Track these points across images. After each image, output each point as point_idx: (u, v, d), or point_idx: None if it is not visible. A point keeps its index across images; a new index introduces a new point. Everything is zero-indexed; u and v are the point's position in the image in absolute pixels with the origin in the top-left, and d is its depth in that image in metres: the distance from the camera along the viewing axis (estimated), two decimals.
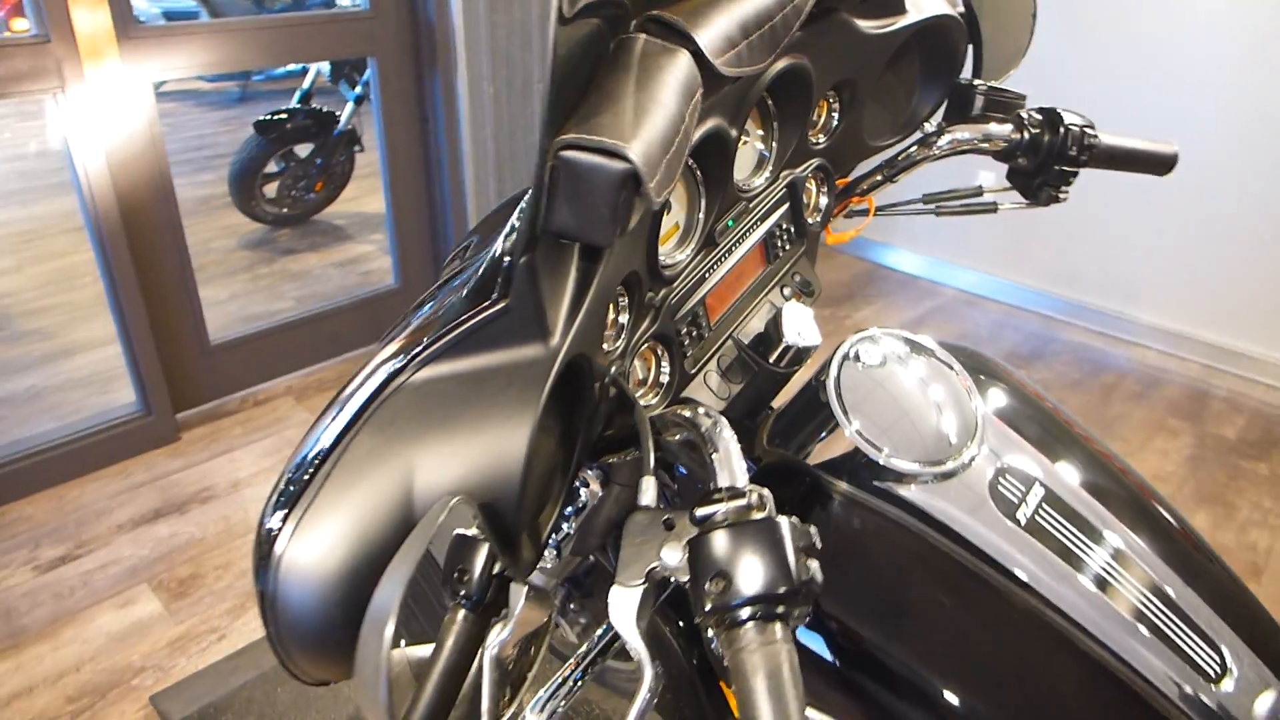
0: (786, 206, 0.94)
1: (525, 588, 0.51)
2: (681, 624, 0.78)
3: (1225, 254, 2.95)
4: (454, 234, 2.86)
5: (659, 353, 0.78)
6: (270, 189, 3.89)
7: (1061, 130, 1.02)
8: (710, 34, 0.57)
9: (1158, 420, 2.73)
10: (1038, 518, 0.65)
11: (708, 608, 0.43)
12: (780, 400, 0.83)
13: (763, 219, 0.90)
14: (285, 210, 4.02)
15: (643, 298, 0.72)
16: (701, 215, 0.80)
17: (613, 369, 0.69)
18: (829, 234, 1.08)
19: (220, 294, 3.47)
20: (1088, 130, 1.01)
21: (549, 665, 0.60)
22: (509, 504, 0.49)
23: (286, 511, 0.46)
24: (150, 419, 2.47)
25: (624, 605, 0.49)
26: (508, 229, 0.53)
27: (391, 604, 0.41)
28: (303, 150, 3.85)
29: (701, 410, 0.64)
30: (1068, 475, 0.70)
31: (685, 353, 0.80)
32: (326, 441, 0.48)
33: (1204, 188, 2.92)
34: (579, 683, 0.68)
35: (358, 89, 3.80)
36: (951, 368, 0.75)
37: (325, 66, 3.97)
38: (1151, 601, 0.61)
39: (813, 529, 0.46)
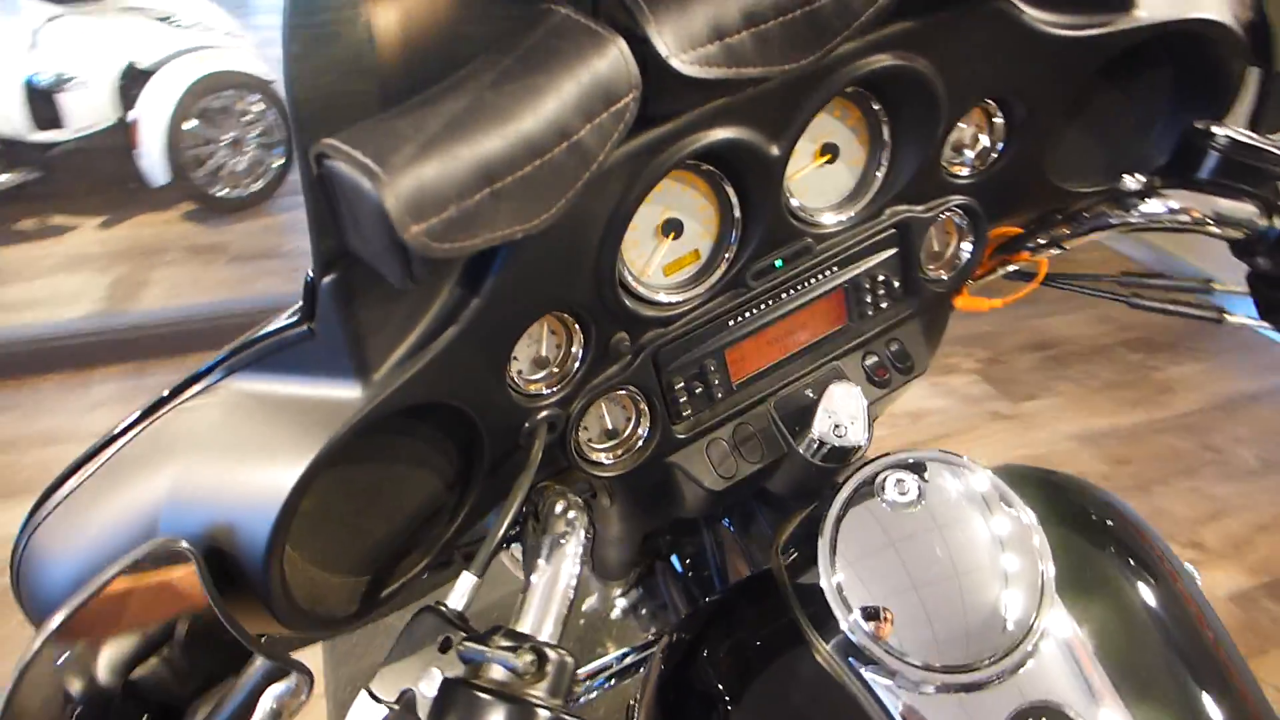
0: (893, 252, 0.80)
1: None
2: None
3: None
4: None
5: (640, 405, 0.71)
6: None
7: None
8: (679, 20, 0.47)
9: None
10: None
11: None
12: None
13: (847, 263, 0.79)
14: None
15: (603, 337, 0.65)
16: (733, 248, 0.72)
17: (544, 413, 0.65)
18: (964, 296, 0.90)
19: None
20: None
21: None
22: (253, 555, 0.46)
23: (46, 496, 0.47)
24: None
25: None
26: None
27: (52, 628, 0.39)
28: None
29: (566, 509, 0.62)
30: None
31: (680, 412, 0.72)
32: (109, 436, 0.47)
33: None
34: None
35: None
36: (1026, 528, 0.54)
37: None
38: None
39: None
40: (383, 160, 0.39)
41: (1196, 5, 0.69)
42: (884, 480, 0.59)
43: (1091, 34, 0.67)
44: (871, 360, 0.81)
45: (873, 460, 0.59)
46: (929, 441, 2.72)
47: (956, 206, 0.81)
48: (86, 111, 4.02)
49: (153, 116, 3.93)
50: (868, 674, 0.51)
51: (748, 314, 0.76)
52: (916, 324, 0.84)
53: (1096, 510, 0.62)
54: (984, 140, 0.81)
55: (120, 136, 4.06)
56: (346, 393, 0.50)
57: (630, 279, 0.69)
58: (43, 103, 4.18)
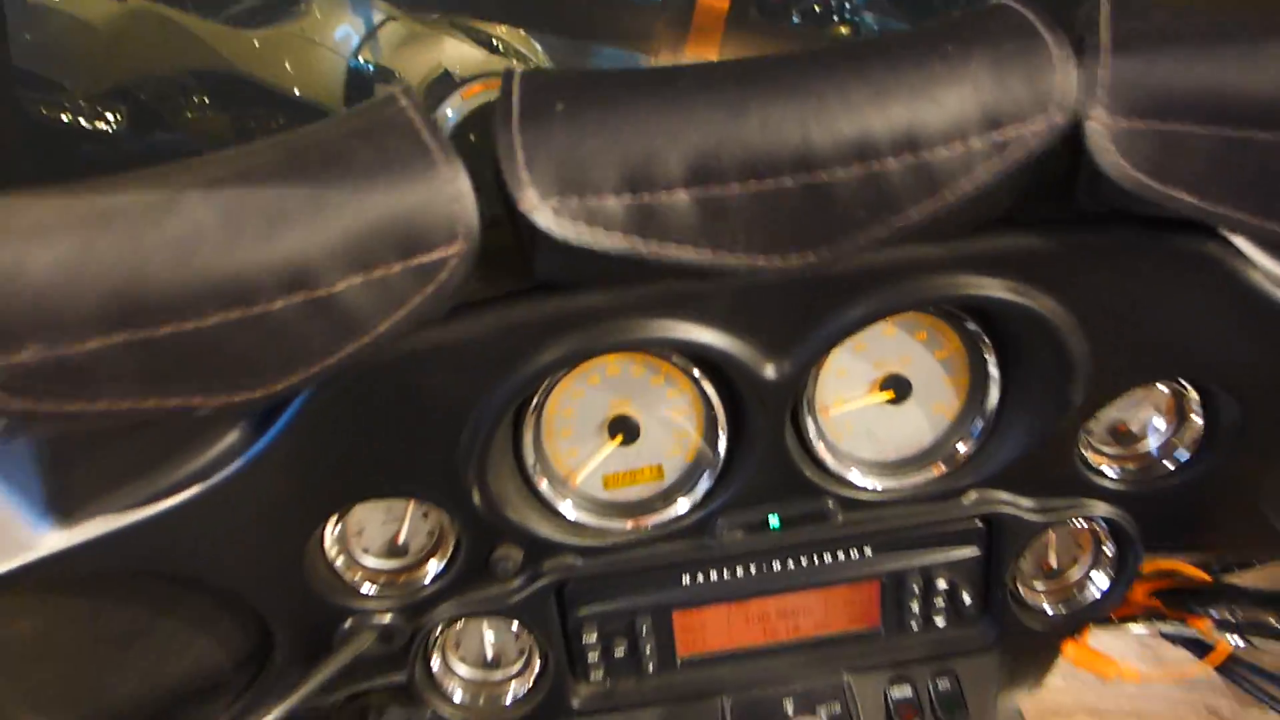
0: (972, 553, 0.63)
1: None
2: None
3: None
4: None
5: (534, 647, 0.62)
6: None
7: None
8: (569, 150, 0.36)
9: None
10: None
11: None
12: None
13: (892, 548, 0.63)
14: None
15: (478, 547, 0.58)
16: (709, 479, 0.60)
17: (374, 618, 0.56)
18: (1082, 646, 0.69)
19: None
20: None
21: None
22: None
23: None
24: None
25: None
26: None
27: None
28: None
29: None
30: None
31: (588, 673, 0.62)
32: None
33: None
34: None
35: None
36: None
37: None
38: None
39: None
40: None
41: None
42: None
43: None
44: (902, 693, 0.63)
45: None
46: None
47: (1096, 517, 0.62)
48: None
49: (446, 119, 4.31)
50: None
51: (718, 573, 0.62)
52: (990, 662, 0.65)
53: None
54: (1162, 429, 0.61)
55: None
56: (29, 526, 0.41)
57: (545, 483, 0.59)
58: (358, 89, 4.66)
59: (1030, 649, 0.66)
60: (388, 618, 0.57)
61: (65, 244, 0.30)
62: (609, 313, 0.47)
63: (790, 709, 0.62)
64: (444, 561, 0.59)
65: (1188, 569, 0.67)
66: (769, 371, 0.52)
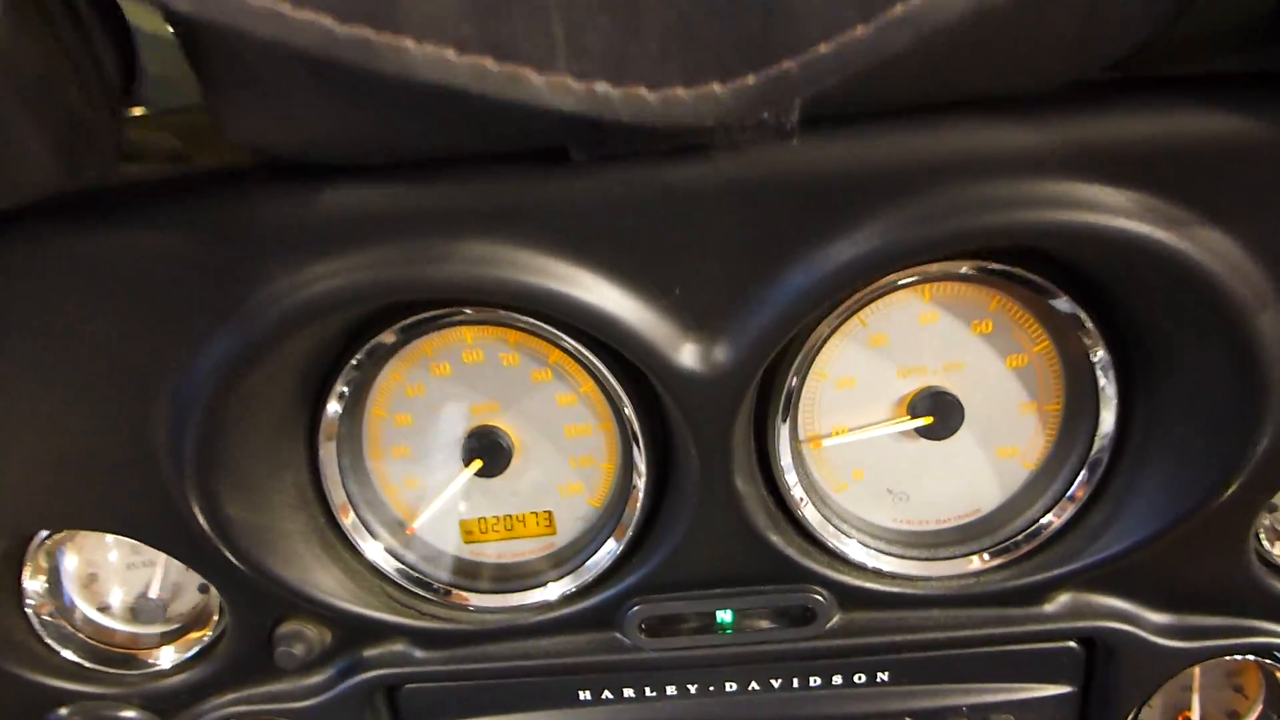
0: (1056, 690, 0.47)
1: None
2: None
3: None
4: None
5: None
6: None
7: None
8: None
9: None
10: None
11: None
12: None
13: (928, 677, 0.48)
14: None
15: (248, 616, 0.45)
16: (610, 548, 0.44)
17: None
18: None
19: None
20: None
21: None
22: None
23: None
24: None
25: None
26: None
27: None
28: None
29: None
30: None
31: None
32: None
33: None
34: None
35: None
36: None
37: None
38: None
39: None
40: None
41: None
42: None
43: None
44: None
45: None
46: None
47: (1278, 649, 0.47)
48: None
49: None
50: None
51: (635, 693, 0.47)
52: None
53: None
54: None
55: None
56: None
57: (357, 522, 0.44)
58: None
59: None
60: (128, 715, 0.46)
61: None
62: (382, 226, 0.33)
63: None
64: (208, 635, 0.46)
65: None
66: (687, 357, 0.36)
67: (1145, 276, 0.35)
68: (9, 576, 0.45)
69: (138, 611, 0.47)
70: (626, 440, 0.43)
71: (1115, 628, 0.45)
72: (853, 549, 0.44)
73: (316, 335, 0.37)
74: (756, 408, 0.42)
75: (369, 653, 0.46)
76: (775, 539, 0.42)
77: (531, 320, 0.40)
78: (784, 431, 0.42)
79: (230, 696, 0.47)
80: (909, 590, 0.44)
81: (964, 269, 0.39)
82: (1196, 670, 0.48)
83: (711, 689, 0.47)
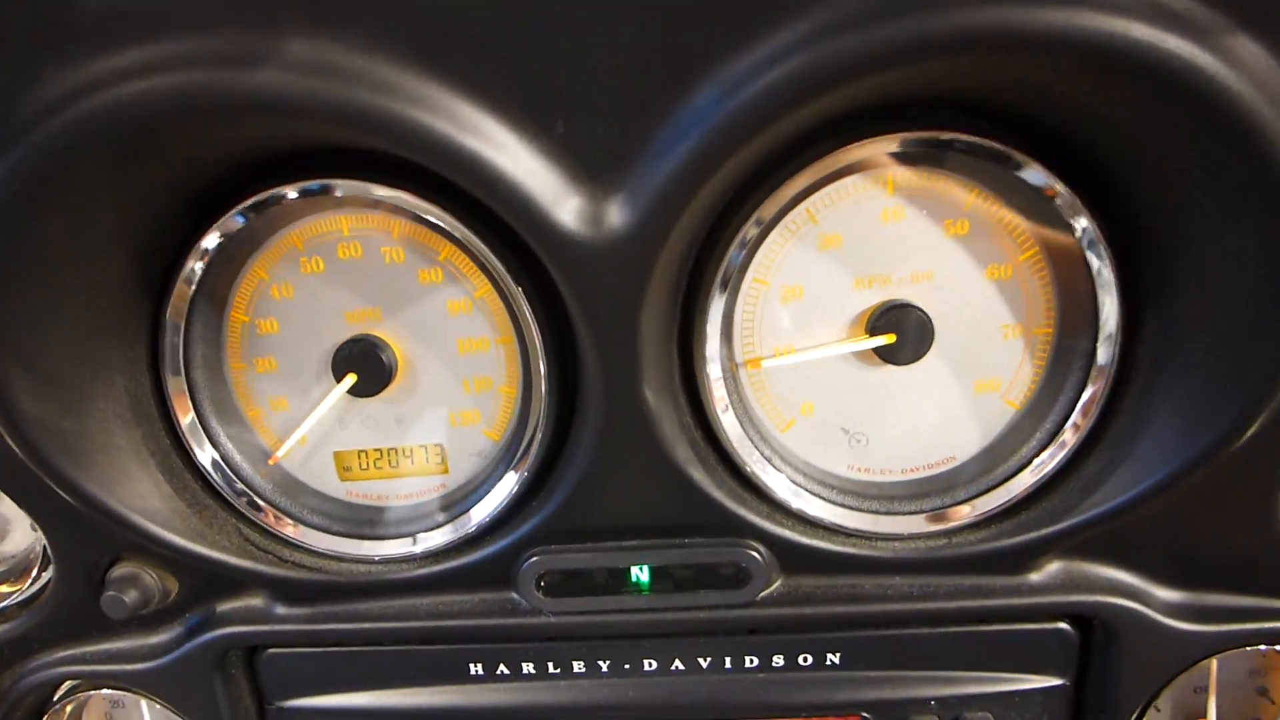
0: (1043, 682, 0.39)
1: None
2: None
3: None
4: None
5: None
6: None
7: None
8: None
9: None
10: None
11: None
12: None
13: (888, 661, 0.40)
14: None
15: (75, 553, 0.38)
16: (509, 486, 0.38)
17: None
18: None
19: None
20: None
21: None
22: None
23: None
24: None
25: None
26: None
27: None
28: None
29: None
30: None
31: None
32: None
33: None
34: None
35: None
36: None
37: None
38: None
39: None
40: None
41: None
42: None
43: None
44: None
45: None
46: None
47: None
48: None
49: None
50: None
51: (535, 667, 0.40)
52: None
53: None
54: None
55: None
56: None
57: (212, 449, 0.38)
58: None
59: None
60: None
61: None
62: (179, 12, 0.27)
63: None
64: (31, 580, 0.40)
65: None
66: (571, 216, 0.29)
67: (1152, 120, 0.27)
68: None
69: None
70: (528, 357, 0.37)
71: (1115, 604, 0.38)
72: (797, 497, 0.37)
73: (136, 190, 0.31)
74: (682, 319, 0.36)
75: (223, 607, 0.40)
76: (697, 475, 0.35)
77: (394, 194, 0.33)
78: (714, 347, 0.35)
79: (59, 654, 0.41)
80: (865, 551, 0.37)
81: (918, 137, 0.31)
82: (1214, 664, 0.40)
83: (627, 667, 0.40)
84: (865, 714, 0.41)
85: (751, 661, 0.39)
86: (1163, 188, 0.30)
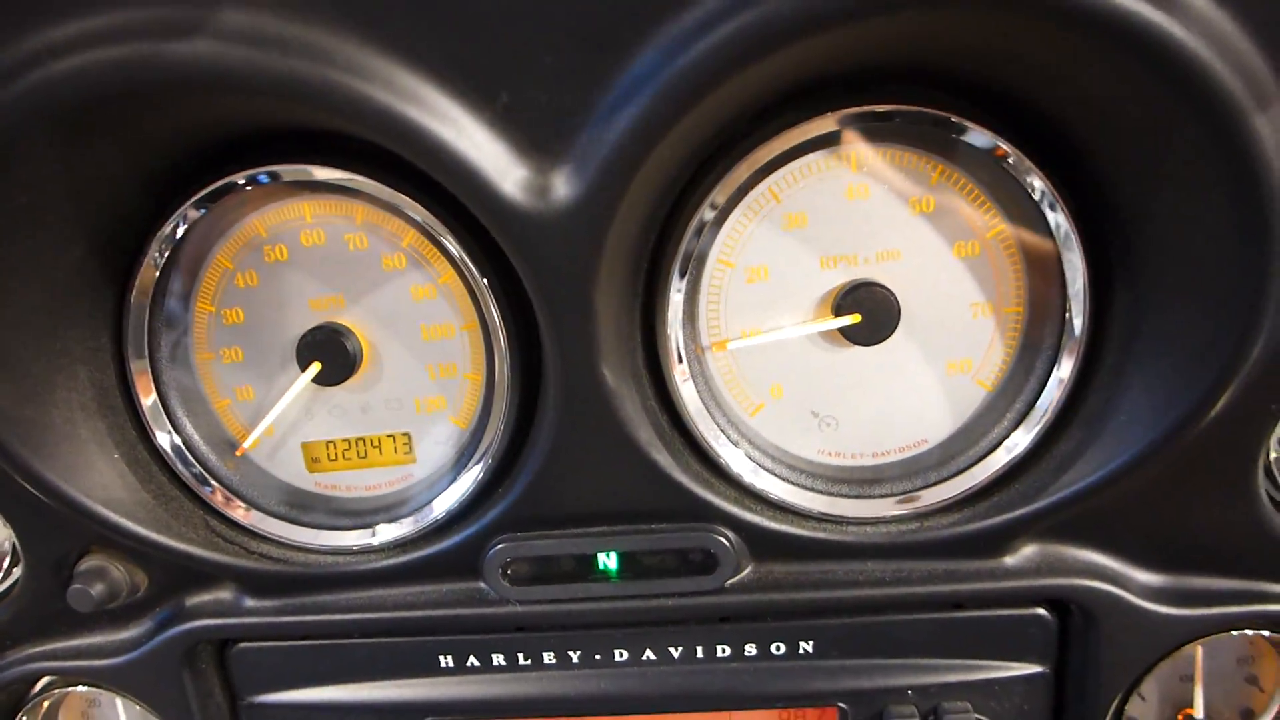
0: (1022, 670, 0.39)
1: None
2: None
3: None
4: None
5: None
6: None
7: None
8: None
9: None
10: None
11: None
12: None
13: (862, 650, 0.39)
14: None
15: (40, 547, 0.38)
16: (475, 474, 0.38)
17: None
18: None
19: None
20: None
21: None
22: None
23: None
24: None
25: None
26: None
27: None
28: None
29: None
30: None
31: None
32: None
33: None
34: None
35: None
36: None
37: None
38: None
39: None
40: None
41: None
42: None
43: None
44: None
45: None
46: None
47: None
48: None
49: None
50: None
51: (505, 659, 0.39)
52: None
53: None
54: None
55: None
56: None
57: (175, 438, 0.38)
58: None
59: None
60: None
61: None
62: None
63: None
64: (2, 575, 0.40)
65: None
66: (515, 187, 0.29)
67: (1106, 80, 0.27)
68: None
69: None
70: (492, 343, 0.36)
71: (1093, 587, 0.36)
72: (765, 481, 0.37)
73: (90, 173, 0.30)
74: (645, 301, 0.35)
75: (192, 601, 0.39)
76: (661, 459, 0.34)
77: (339, 175, 0.32)
78: (675, 327, 0.34)
79: (30, 650, 0.40)
80: (835, 536, 0.37)
81: (858, 111, 0.31)
82: (1199, 650, 0.39)
83: (598, 657, 0.39)
84: (842, 704, 0.39)
85: (724, 651, 0.39)
86: (1123, 152, 0.30)
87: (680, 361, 0.35)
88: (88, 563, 0.37)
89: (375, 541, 0.37)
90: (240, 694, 0.40)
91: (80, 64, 0.26)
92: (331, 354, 0.36)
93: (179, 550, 0.37)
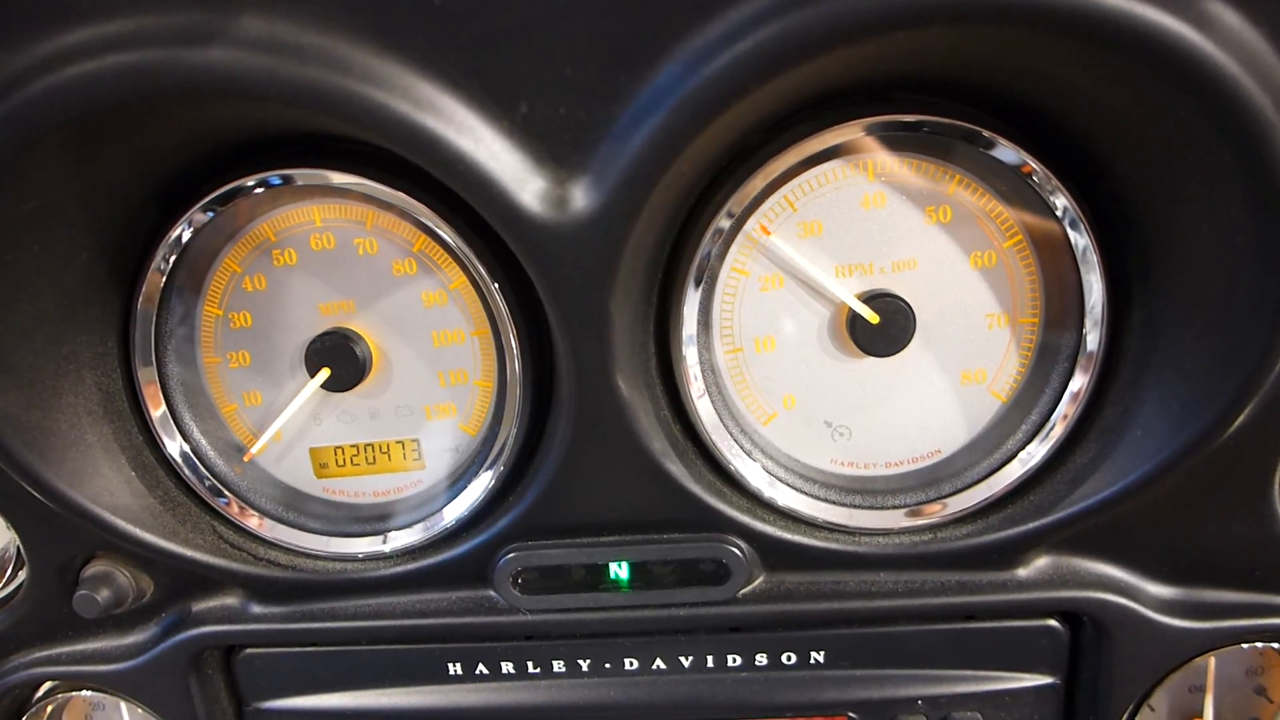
0: (1034, 681, 0.39)
1: None
2: None
3: None
4: None
5: None
6: None
7: None
8: None
9: None
10: None
11: None
12: None
13: (873, 659, 0.39)
14: None
15: (45, 552, 0.38)
16: (485, 481, 0.38)
17: None
18: None
19: None
20: None
21: None
22: None
23: None
24: None
25: None
26: None
27: None
28: None
29: None
30: None
31: None
32: None
33: None
34: None
35: None
36: None
37: None
38: None
39: None
40: None
41: None
42: None
43: None
44: None
45: None
46: None
47: None
48: None
49: None
50: None
51: (514, 667, 0.39)
52: None
53: None
54: None
55: None
56: None
57: (184, 444, 0.38)
58: None
59: None
60: None
61: None
62: None
63: None
64: (6, 580, 0.39)
65: None
66: (533, 198, 0.29)
67: (1131, 95, 0.27)
68: None
69: None
70: (503, 350, 0.36)
71: (1106, 600, 0.36)
72: (771, 487, 0.37)
73: (100, 178, 0.30)
74: (659, 310, 0.35)
75: (198, 606, 0.39)
76: (674, 469, 0.34)
77: (354, 180, 0.32)
78: (689, 336, 0.34)
79: (35, 655, 0.40)
80: (848, 547, 0.37)
81: (885, 120, 0.31)
82: (1211, 662, 0.39)
83: (608, 666, 0.39)
84: (852, 714, 0.39)
85: (734, 660, 0.38)
86: (1146, 167, 0.30)
87: (695, 372, 0.34)
88: (93, 568, 0.37)
89: (384, 548, 0.37)
90: (247, 700, 0.40)
91: (94, 70, 0.26)
92: (341, 360, 0.36)
93: (185, 556, 0.36)
